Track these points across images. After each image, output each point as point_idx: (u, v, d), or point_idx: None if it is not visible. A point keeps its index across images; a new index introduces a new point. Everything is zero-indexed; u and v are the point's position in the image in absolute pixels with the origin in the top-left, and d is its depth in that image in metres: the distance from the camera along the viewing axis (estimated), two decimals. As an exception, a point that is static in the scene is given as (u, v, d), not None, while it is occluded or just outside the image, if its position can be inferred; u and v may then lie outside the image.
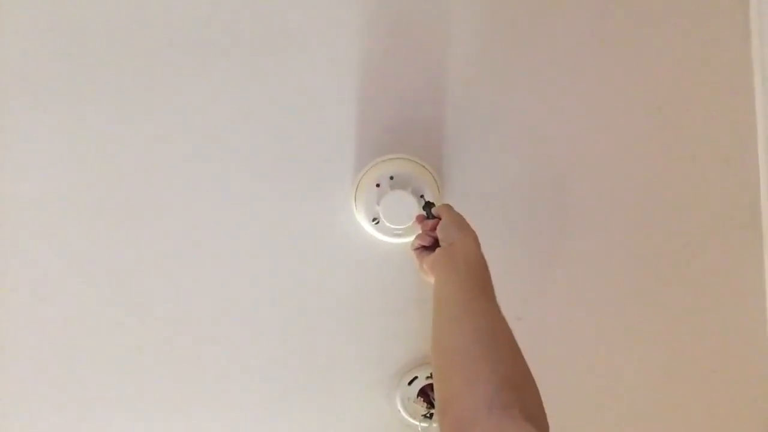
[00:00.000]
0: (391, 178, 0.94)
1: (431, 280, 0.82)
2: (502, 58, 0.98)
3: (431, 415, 1.04)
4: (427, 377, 1.03)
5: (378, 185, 0.94)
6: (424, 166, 0.95)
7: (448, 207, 0.86)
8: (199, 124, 0.95)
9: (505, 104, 0.98)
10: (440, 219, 0.84)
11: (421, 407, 1.04)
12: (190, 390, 1.03)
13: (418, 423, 1.04)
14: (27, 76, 0.93)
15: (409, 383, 1.04)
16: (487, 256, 0.77)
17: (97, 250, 0.97)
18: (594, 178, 1.01)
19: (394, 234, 0.95)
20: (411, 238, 0.94)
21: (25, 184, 0.95)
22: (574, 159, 1.01)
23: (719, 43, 0.99)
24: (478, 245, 0.78)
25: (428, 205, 0.91)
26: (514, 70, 0.98)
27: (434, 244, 0.85)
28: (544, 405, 0.64)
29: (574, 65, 0.98)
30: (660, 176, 1.02)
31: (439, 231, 0.82)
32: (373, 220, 0.95)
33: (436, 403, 0.65)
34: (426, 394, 1.04)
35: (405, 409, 1.05)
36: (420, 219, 0.90)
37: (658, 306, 1.05)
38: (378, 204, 0.92)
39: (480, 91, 0.98)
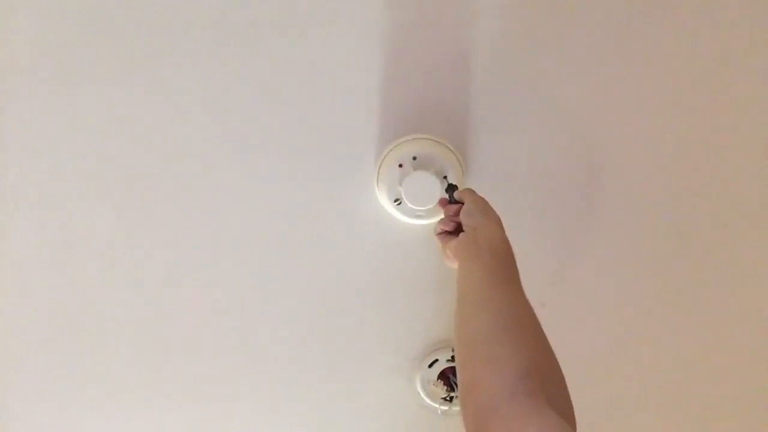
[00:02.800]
0: (414, 158, 0.92)
1: (455, 265, 0.80)
2: (531, 36, 0.95)
3: (451, 398, 1.03)
4: (448, 360, 1.03)
5: (401, 165, 0.92)
6: (448, 147, 0.93)
7: (471, 191, 0.84)
8: (220, 104, 0.94)
9: (533, 85, 0.96)
10: (463, 203, 0.83)
11: (441, 390, 1.03)
12: (208, 377, 1.03)
13: (438, 406, 1.03)
14: (43, 56, 0.93)
15: (430, 366, 1.03)
16: (511, 241, 0.76)
17: (114, 239, 0.97)
18: (625, 161, 0.99)
19: (416, 215, 0.94)
20: (433, 220, 0.93)
21: (31, 171, 0.95)
22: (604, 142, 0.98)
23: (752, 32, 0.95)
24: (502, 230, 0.77)
25: (451, 188, 0.89)
26: (543, 48, 0.95)
27: (458, 229, 0.83)
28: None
29: (607, 44, 0.95)
30: (690, 166, 0.99)
31: (462, 216, 0.81)
32: (396, 200, 0.93)
33: (458, 389, 0.64)
34: (446, 377, 1.03)
35: (425, 391, 1.04)
36: (443, 203, 0.89)
37: (685, 295, 1.03)
38: (400, 185, 0.91)
39: (507, 70, 0.95)
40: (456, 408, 1.03)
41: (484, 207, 0.80)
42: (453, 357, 1.03)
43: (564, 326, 0.99)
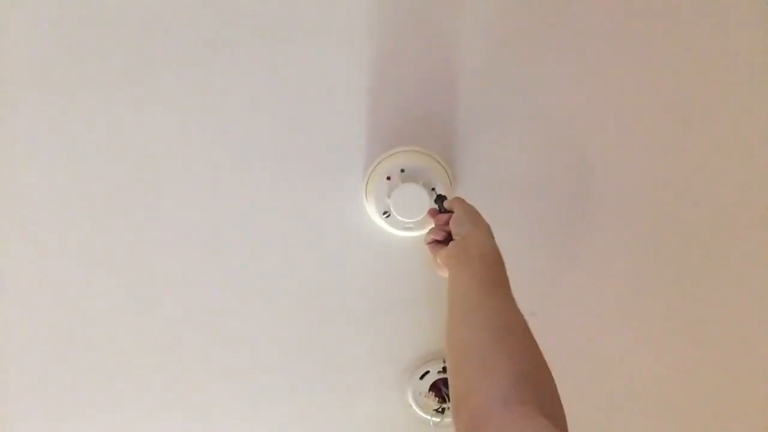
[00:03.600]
0: (402, 170, 0.92)
1: (445, 274, 0.81)
2: (517, 47, 0.96)
3: (443, 409, 1.03)
4: (439, 371, 1.03)
5: (389, 178, 0.92)
6: (435, 159, 0.94)
7: (461, 200, 0.85)
8: (208, 115, 0.94)
9: (519, 95, 0.97)
10: (453, 213, 0.83)
11: (433, 402, 1.03)
12: (200, 385, 1.02)
13: (429, 417, 1.03)
14: (37, 67, 0.92)
15: (421, 377, 1.03)
16: (501, 250, 0.76)
17: (109, 244, 0.97)
18: (612, 170, 1.00)
19: (405, 227, 0.94)
20: (422, 232, 0.93)
21: (31, 177, 0.94)
22: (590, 150, 0.99)
23: (744, 39, 0.97)
24: (492, 238, 0.77)
25: (440, 199, 0.90)
26: (529, 59, 0.96)
27: (447, 238, 0.84)
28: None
29: (592, 53, 0.96)
30: (681, 168, 1.00)
31: (452, 224, 0.81)
32: (384, 213, 0.94)
33: (451, 398, 0.64)
34: (438, 388, 1.03)
35: (417, 403, 1.04)
36: (433, 213, 0.89)
37: (676, 302, 1.04)
38: (389, 197, 0.91)
39: (493, 81, 0.96)
40: (448, 419, 1.03)
41: (474, 215, 0.81)
42: (444, 368, 1.03)
43: (555, 333, 0.99)
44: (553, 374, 0.64)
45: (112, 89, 0.93)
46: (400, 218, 0.91)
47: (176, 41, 0.92)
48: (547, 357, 0.65)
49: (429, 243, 0.86)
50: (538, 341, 0.66)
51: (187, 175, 0.96)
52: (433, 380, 1.03)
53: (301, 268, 0.99)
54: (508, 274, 0.74)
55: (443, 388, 1.03)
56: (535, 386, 0.59)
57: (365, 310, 1.01)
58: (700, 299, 1.03)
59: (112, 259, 0.97)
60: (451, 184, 0.95)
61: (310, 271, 0.99)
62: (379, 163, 0.95)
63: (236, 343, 1.01)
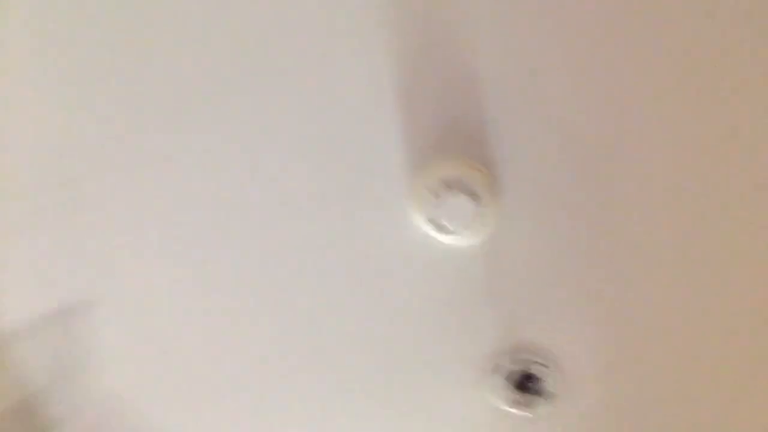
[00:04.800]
0: (445, 181, 0.95)
1: None
2: (550, 45, 0.95)
3: (527, 403, 1.05)
4: (513, 364, 1.05)
5: (433, 189, 0.96)
6: (476, 165, 0.96)
7: None
8: (256, 151, 1.01)
9: (557, 98, 0.96)
10: None
11: (516, 395, 1.06)
12: (279, 389, 1.10)
13: (514, 410, 1.06)
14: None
15: (500, 373, 1.06)
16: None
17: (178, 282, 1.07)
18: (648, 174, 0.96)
19: (451, 235, 0.98)
20: (471, 239, 0.96)
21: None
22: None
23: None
24: None
25: None
26: (561, 58, 0.95)
27: None
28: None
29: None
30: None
31: None
32: (431, 222, 0.98)
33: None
34: (517, 381, 1.06)
35: (498, 397, 1.07)
36: None
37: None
38: (434, 207, 0.95)
39: (534, 86, 0.96)
40: (530, 413, 1.05)
41: None
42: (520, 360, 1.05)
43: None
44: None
45: (175, 127, 1.02)
46: (447, 225, 0.95)
47: (199, 82, 1.00)
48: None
49: None
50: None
51: (239, 210, 1.03)
52: (511, 373, 1.06)
53: (363, 286, 1.05)
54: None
55: (524, 381, 1.06)
56: None
57: (432, 318, 1.06)
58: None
59: (182, 304, 1.07)
60: (495, 190, 0.97)
61: (372, 287, 1.05)
62: (421, 175, 0.98)
63: (326, 355, 1.10)
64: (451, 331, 1.06)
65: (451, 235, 0.97)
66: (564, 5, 0.94)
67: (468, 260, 1.01)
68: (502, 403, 1.06)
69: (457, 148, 0.98)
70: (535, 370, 1.05)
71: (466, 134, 0.98)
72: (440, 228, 0.97)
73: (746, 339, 1.02)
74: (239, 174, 1.02)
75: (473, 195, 0.94)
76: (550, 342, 1.04)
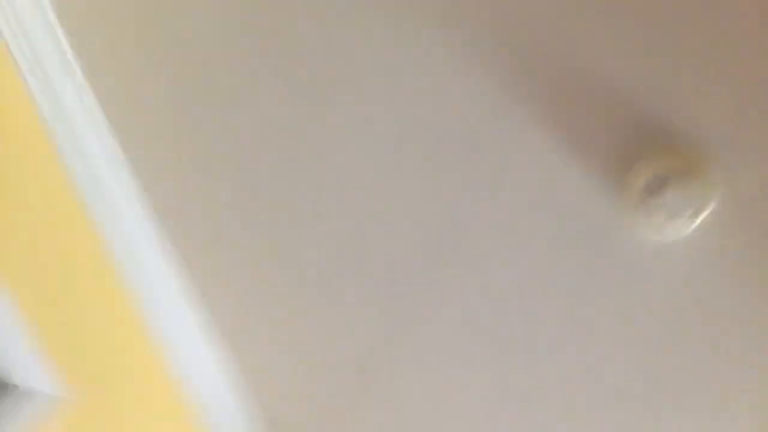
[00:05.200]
0: (659, 176, 0.97)
1: None
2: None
3: None
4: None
5: (647, 185, 0.98)
6: (691, 161, 0.97)
7: None
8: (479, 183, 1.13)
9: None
10: None
11: None
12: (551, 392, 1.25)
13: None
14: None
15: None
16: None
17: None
18: None
19: (676, 230, 1.00)
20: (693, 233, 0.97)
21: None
22: None
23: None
24: None
25: None
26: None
27: None
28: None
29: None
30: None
31: None
32: (651, 218, 1.00)
33: None
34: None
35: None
36: None
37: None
38: (652, 204, 0.98)
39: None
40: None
41: None
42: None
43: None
44: None
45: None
46: (666, 224, 0.98)
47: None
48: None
49: None
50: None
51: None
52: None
53: (603, 293, 1.12)
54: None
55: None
56: None
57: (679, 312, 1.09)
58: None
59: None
60: (712, 189, 0.97)
61: (609, 292, 1.12)
62: (640, 172, 1.00)
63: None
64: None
65: (675, 230, 0.99)
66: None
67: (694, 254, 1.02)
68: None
69: (675, 145, 0.97)
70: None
71: (682, 132, 0.96)
72: (665, 223, 0.99)
73: None
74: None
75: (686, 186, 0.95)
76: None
